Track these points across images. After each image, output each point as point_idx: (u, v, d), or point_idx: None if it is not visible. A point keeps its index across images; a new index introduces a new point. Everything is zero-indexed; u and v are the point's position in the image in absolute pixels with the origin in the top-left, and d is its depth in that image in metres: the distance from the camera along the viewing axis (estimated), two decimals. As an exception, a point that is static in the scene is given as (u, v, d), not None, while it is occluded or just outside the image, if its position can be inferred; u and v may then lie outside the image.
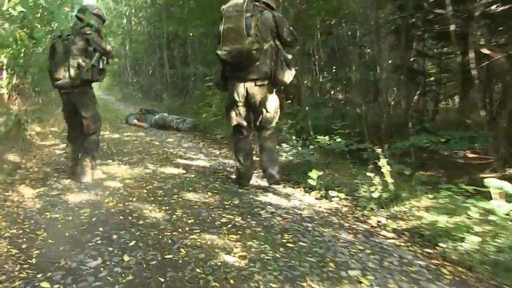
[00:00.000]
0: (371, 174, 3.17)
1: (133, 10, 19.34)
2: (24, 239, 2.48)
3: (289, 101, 7.84)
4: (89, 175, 3.87)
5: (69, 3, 15.10)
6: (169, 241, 2.45)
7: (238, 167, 3.69)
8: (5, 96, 7.69)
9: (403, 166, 3.53)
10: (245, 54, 3.19)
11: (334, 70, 9.32)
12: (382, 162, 3.15)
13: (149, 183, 3.80)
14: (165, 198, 3.34)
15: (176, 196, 3.40)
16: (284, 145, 4.52)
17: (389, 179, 3.08)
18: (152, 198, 3.35)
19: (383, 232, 2.68)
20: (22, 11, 9.71)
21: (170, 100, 11.68)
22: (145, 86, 17.53)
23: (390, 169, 3.13)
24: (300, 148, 4.37)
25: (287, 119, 5.94)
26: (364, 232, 2.67)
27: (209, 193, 3.50)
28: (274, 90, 3.48)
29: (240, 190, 3.63)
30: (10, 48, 9.92)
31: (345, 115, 7.44)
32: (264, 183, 3.80)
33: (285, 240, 2.48)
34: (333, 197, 3.34)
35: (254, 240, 2.45)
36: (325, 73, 9.51)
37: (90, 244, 2.42)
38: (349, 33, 8.70)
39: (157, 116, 8.09)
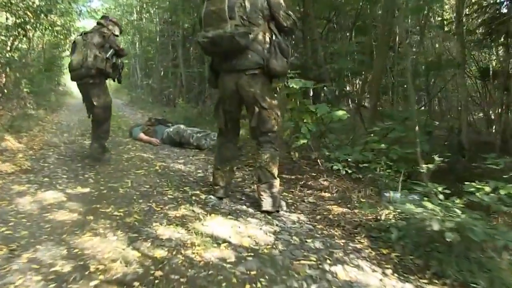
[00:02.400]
0: None
1: (144, 6, 17.43)
2: None
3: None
4: (98, 159, 4.37)
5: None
6: None
7: (214, 173, 3.19)
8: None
9: None
10: (227, 40, 2.64)
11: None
12: None
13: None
14: None
15: None
16: (429, 207, 2.31)
17: None
18: None
19: None
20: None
21: (186, 107, 9.57)
22: (156, 89, 15.51)
23: None
24: (460, 212, 2.19)
25: (375, 143, 3.80)
26: None
27: None
28: (270, 83, 2.94)
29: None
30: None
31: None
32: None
33: None
34: None
35: None
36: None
37: None
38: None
39: (171, 129, 5.96)
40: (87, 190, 3.31)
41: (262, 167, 2.87)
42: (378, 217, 2.85)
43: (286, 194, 3.42)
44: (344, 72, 5.57)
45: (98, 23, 4.38)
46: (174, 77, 13.12)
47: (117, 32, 4.41)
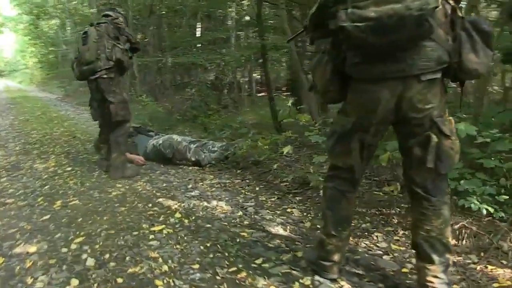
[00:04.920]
0: None
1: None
2: None
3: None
4: (120, 170, 3.79)
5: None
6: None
7: (323, 239, 1.87)
8: None
9: None
10: (413, 23, 1.38)
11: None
12: None
13: None
14: None
15: None
16: None
17: None
18: None
19: None
20: None
21: (150, 103, 7.90)
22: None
23: None
24: None
25: None
26: None
27: None
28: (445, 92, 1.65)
29: None
30: None
31: None
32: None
33: None
34: None
35: None
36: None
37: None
38: None
39: (160, 141, 4.42)
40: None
41: (433, 237, 1.68)
42: None
43: (392, 245, 2.24)
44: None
45: (106, 15, 3.96)
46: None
47: (125, 24, 4.09)
